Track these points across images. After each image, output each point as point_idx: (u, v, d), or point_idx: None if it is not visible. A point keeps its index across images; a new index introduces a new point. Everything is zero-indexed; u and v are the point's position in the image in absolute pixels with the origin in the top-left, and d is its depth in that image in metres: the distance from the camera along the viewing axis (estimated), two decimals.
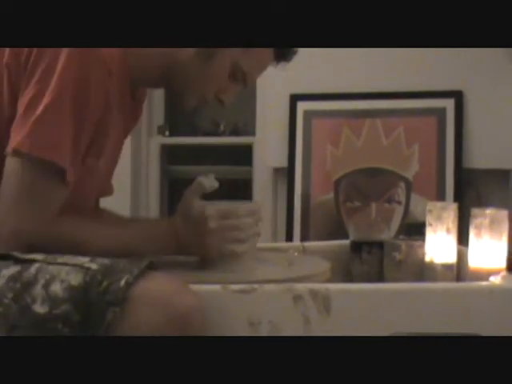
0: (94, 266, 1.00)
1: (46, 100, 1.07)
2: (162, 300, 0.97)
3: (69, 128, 1.08)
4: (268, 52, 1.24)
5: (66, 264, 1.01)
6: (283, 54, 1.25)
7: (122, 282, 0.97)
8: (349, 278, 1.49)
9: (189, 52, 1.19)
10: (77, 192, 1.16)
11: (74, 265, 1.00)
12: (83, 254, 1.07)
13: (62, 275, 0.99)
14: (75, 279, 0.98)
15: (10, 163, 1.09)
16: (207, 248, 1.19)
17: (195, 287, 1.03)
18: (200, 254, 1.23)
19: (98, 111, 1.12)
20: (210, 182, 1.21)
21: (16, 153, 1.08)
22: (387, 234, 1.48)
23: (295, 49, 1.25)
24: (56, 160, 1.08)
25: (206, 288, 1.07)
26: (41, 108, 1.06)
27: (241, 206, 1.22)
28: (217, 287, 1.06)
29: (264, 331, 1.05)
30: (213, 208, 1.18)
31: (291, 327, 1.06)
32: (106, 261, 1.01)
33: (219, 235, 1.18)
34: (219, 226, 1.17)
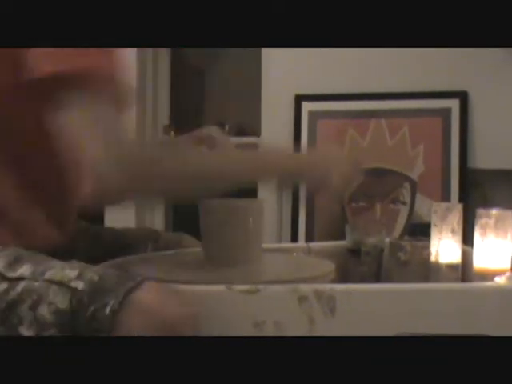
0: (80, 286, 0.97)
1: None
2: (148, 319, 0.95)
3: None
4: None
5: (52, 281, 0.99)
6: None
7: (108, 310, 0.95)
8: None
9: None
10: None
11: (61, 283, 0.98)
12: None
13: (49, 296, 0.98)
14: (62, 302, 0.97)
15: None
16: None
17: (199, 287, 1.03)
18: None
19: None
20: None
21: None
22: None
23: None
24: None
25: (211, 288, 1.07)
26: None
27: None
28: (221, 287, 1.06)
29: (269, 332, 1.05)
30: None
31: (296, 328, 1.06)
32: (94, 276, 0.99)
33: None
34: None
